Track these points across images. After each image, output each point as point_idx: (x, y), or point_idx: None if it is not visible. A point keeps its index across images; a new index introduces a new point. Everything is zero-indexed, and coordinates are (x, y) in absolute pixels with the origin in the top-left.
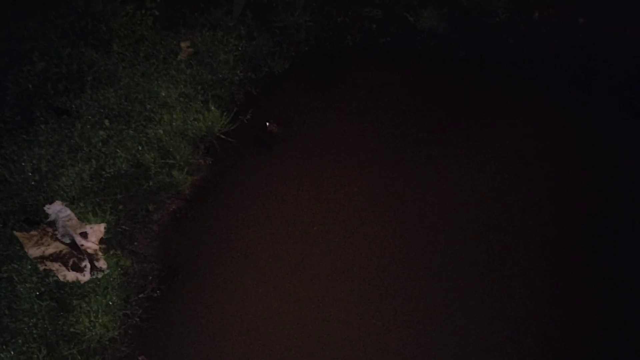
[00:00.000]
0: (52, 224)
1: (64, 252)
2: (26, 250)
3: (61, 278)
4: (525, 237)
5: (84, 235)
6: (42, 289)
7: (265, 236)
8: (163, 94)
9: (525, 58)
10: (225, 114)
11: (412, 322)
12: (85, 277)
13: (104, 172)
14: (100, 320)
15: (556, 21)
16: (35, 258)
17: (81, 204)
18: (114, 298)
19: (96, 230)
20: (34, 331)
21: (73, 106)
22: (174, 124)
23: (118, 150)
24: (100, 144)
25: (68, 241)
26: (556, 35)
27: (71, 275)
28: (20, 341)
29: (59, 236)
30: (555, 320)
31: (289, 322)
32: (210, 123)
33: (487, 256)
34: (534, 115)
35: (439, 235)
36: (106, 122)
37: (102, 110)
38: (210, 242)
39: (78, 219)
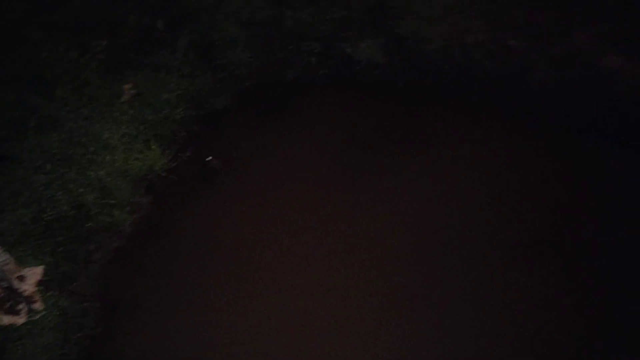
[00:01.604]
0: None
1: (0, 295)
2: None
3: None
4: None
5: (21, 278)
6: None
7: (206, 271)
8: (106, 136)
9: (461, 83)
10: (166, 152)
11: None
12: (21, 319)
13: (44, 215)
14: None
15: (488, 45)
16: None
17: (21, 248)
18: (51, 339)
19: (34, 273)
20: None
21: (14, 152)
22: (115, 164)
23: (59, 194)
24: (41, 187)
25: (5, 285)
26: (489, 59)
27: (7, 319)
28: None
29: None
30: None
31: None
32: (151, 162)
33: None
34: (471, 140)
35: (381, 258)
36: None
37: (44, 155)
38: (151, 278)
39: (17, 262)
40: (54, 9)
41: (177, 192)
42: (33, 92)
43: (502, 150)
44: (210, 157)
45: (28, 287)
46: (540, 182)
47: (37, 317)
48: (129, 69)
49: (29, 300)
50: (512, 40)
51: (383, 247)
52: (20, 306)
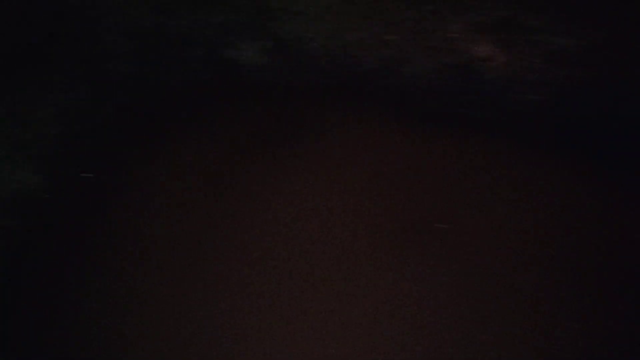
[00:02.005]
0: None
1: None
2: None
3: None
4: None
5: None
6: None
7: (87, 292)
8: None
9: (341, 79)
10: (41, 171)
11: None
12: None
13: None
14: None
15: (367, 41)
16: None
17: None
18: None
19: None
20: None
21: None
22: None
23: None
24: None
25: None
26: (367, 54)
27: None
28: None
29: None
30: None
31: None
32: (24, 183)
33: None
34: (355, 139)
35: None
36: None
37: None
38: (25, 305)
39: None
40: None
41: (52, 213)
42: None
43: (380, 142)
44: (86, 174)
45: None
46: (418, 170)
47: None
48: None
49: None
50: (390, 35)
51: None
52: None
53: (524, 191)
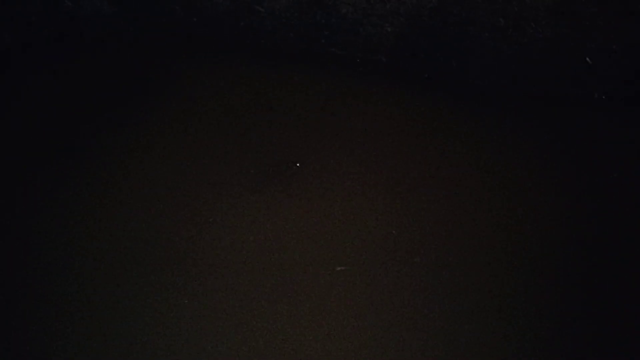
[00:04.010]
0: None
1: None
2: None
3: None
4: None
5: None
6: None
7: None
8: None
9: (191, 27)
10: None
11: None
12: None
13: None
14: None
15: None
16: None
17: None
18: None
19: None
20: None
21: None
22: None
23: None
24: None
25: None
26: None
27: None
28: None
29: None
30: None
31: None
32: None
33: None
34: (207, 86)
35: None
36: None
37: None
38: None
39: None
40: None
41: None
42: None
43: (235, 84)
44: None
45: None
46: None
47: None
48: None
49: None
50: None
51: None
52: None
53: (377, 124)
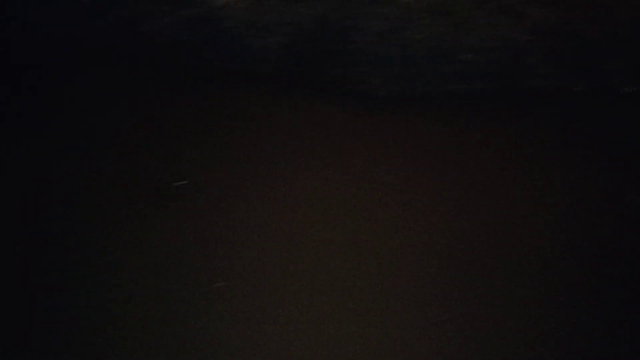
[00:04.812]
0: None
1: None
2: None
3: None
4: None
5: None
6: None
7: None
8: None
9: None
10: None
11: None
12: None
13: None
14: None
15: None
16: None
17: None
18: None
19: None
20: None
21: None
22: None
23: None
24: None
25: None
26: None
27: None
28: None
29: None
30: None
31: None
32: None
33: None
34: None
35: None
36: None
37: None
38: None
39: None
40: None
41: None
42: None
43: (123, 104)
44: None
45: None
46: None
47: None
48: None
49: None
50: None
51: None
52: None
53: (263, 134)
